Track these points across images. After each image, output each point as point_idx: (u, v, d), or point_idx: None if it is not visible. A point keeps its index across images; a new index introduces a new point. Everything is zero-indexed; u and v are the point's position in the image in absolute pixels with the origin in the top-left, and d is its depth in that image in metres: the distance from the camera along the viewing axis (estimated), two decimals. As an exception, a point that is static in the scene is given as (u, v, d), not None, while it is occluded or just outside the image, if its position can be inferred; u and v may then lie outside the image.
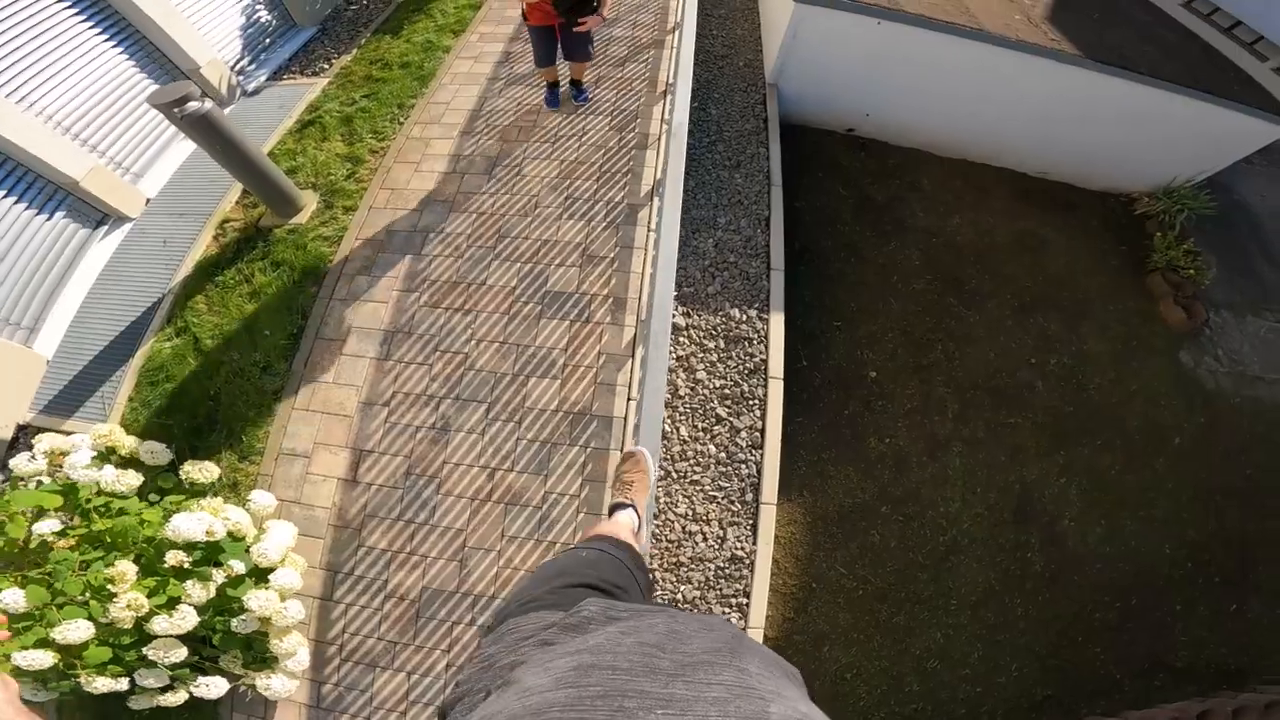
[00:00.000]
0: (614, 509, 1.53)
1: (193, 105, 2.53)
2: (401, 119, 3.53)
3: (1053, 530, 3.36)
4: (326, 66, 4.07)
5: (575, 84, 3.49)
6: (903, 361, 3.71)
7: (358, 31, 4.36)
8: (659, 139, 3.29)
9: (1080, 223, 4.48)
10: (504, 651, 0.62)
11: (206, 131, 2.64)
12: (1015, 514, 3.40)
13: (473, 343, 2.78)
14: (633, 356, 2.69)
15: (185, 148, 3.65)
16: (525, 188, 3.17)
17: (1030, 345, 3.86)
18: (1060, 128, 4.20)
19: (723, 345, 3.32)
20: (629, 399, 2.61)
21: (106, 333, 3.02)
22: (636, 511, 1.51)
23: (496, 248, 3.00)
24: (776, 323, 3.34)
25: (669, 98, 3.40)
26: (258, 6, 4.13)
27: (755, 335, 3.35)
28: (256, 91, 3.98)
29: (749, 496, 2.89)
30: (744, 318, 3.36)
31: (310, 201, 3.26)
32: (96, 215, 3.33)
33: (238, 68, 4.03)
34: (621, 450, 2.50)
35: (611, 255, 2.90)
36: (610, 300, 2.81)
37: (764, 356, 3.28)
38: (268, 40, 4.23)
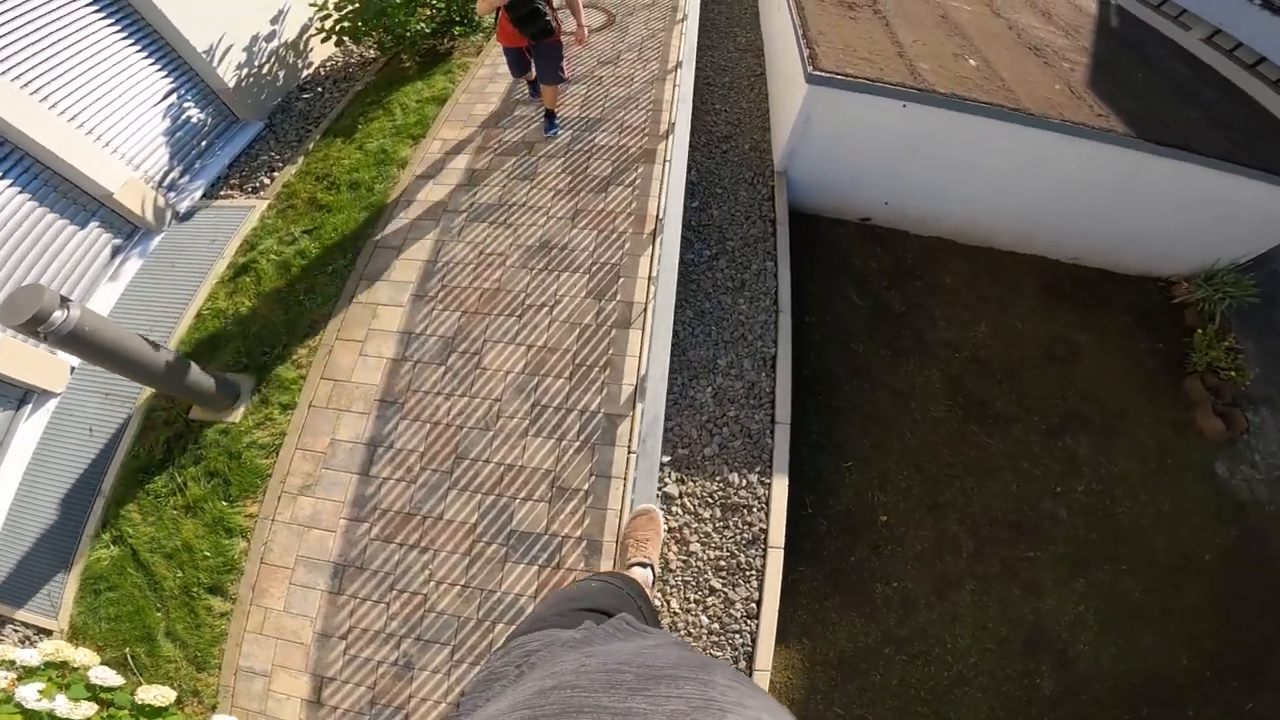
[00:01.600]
0: (629, 568, 1.59)
1: (56, 317, 1.92)
2: (346, 269, 3.01)
3: (1065, 656, 3.10)
4: (268, 181, 3.52)
5: (548, 115, 3.40)
6: (916, 501, 3.36)
7: (307, 131, 3.76)
8: (645, 311, 2.74)
9: (1114, 320, 4.06)
10: (509, 664, 0.65)
11: (83, 346, 2.09)
12: (1026, 644, 3.13)
13: (432, 584, 2.43)
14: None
15: (107, 300, 3.21)
16: (486, 388, 2.68)
17: (1056, 472, 3.49)
18: (1098, 210, 3.78)
19: (719, 514, 2.93)
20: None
21: (44, 524, 2.75)
22: (653, 569, 1.58)
23: (454, 473, 2.57)
24: (779, 487, 2.94)
25: (657, 240, 2.81)
26: (188, 105, 3.55)
27: (755, 502, 2.95)
28: (190, 214, 3.47)
29: (741, 664, 2.63)
30: (744, 483, 2.96)
31: (244, 389, 2.84)
32: (17, 393, 2.97)
33: (167, 180, 3.50)
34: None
35: (585, 487, 2.45)
36: (584, 543, 2.39)
37: (764, 525, 2.91)
38: (203, 143, 3.67)
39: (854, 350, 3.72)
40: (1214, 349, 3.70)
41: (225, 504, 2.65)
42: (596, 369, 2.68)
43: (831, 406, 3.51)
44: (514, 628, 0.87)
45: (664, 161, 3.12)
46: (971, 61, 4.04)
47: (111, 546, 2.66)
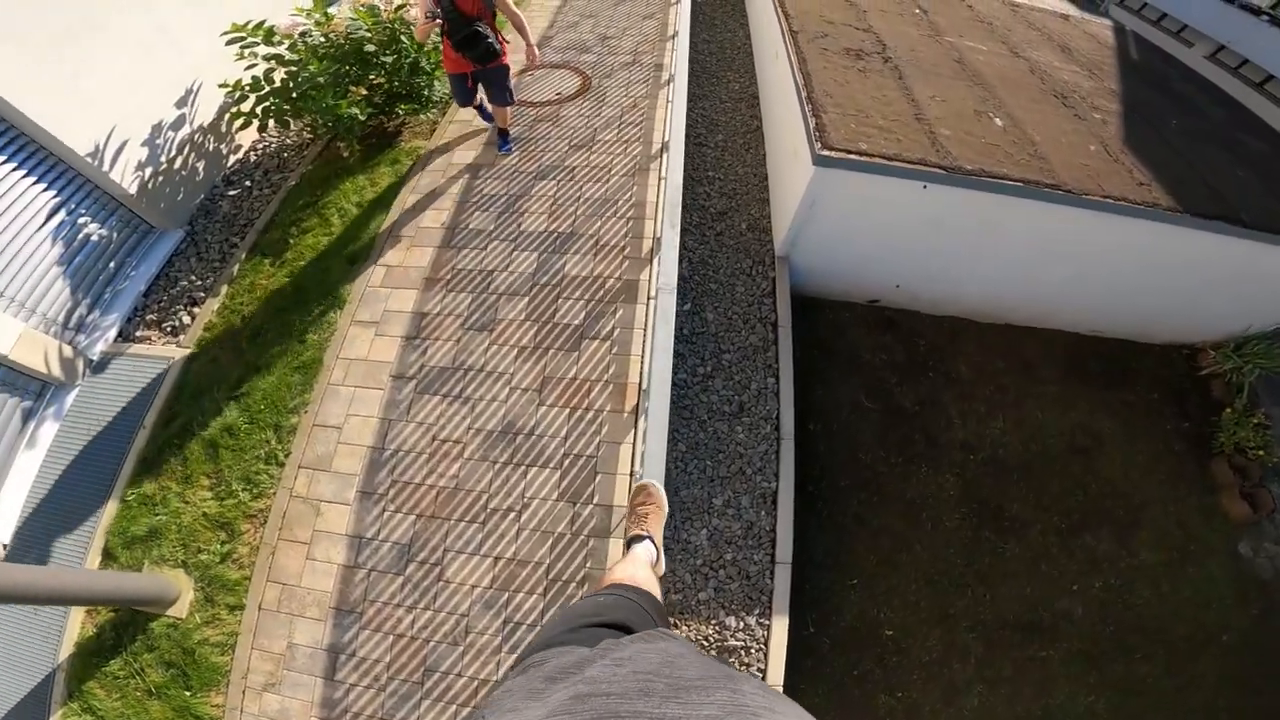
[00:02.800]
0: (631, 542, 1.59)
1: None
2: (281, 454, 2.58)
3: (1072, 744, 3.05)
4: (188, 319, 3.01)
5: (501, 134, 3.33)
6: (925, 613, 3.16)
7: (232, 246, 3.20)
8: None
9: (1139, 399, 3.78)
10: (524, 684, 0.61)
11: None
12: (1033, 737, 3.07)
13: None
14: None
15: (26, 472, 2.82)
16: (451, 601, 2.32)
17: (1075, 571, 3.30)
18: (1128, 282, 3.48)
19: (714, 655, 2.68)
20: None
21: (11, 696, 2.53)
22: (653, 542, 1.56)
23: (425, 684, 2.26)
24: (779, 627, 2.70)
25: (640, 423, 2.34)
26: (84, 222, 3.00)
27: (754, 644, 2.73)
28: (105, 361, 3.00)
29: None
30: (741, 625, 2.72)
31: (185, 588, 2.50)
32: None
33: (73, 320, 3.01)
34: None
35: None
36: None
37: (762, 665, 2.69)
38: (111, 265, 3.13)
39: (862, 460, 3.41)
40: (1242, 428, 3.51)
41: (188, 694, 2.39)
42: (574, 584, 2.30)
43: (837, 524, 3.24)
44: (527, 644, 0.88)
45: (648, 299, 2.58)
46: (997, 121, 3.48)
47: (83, 715, 2.43)
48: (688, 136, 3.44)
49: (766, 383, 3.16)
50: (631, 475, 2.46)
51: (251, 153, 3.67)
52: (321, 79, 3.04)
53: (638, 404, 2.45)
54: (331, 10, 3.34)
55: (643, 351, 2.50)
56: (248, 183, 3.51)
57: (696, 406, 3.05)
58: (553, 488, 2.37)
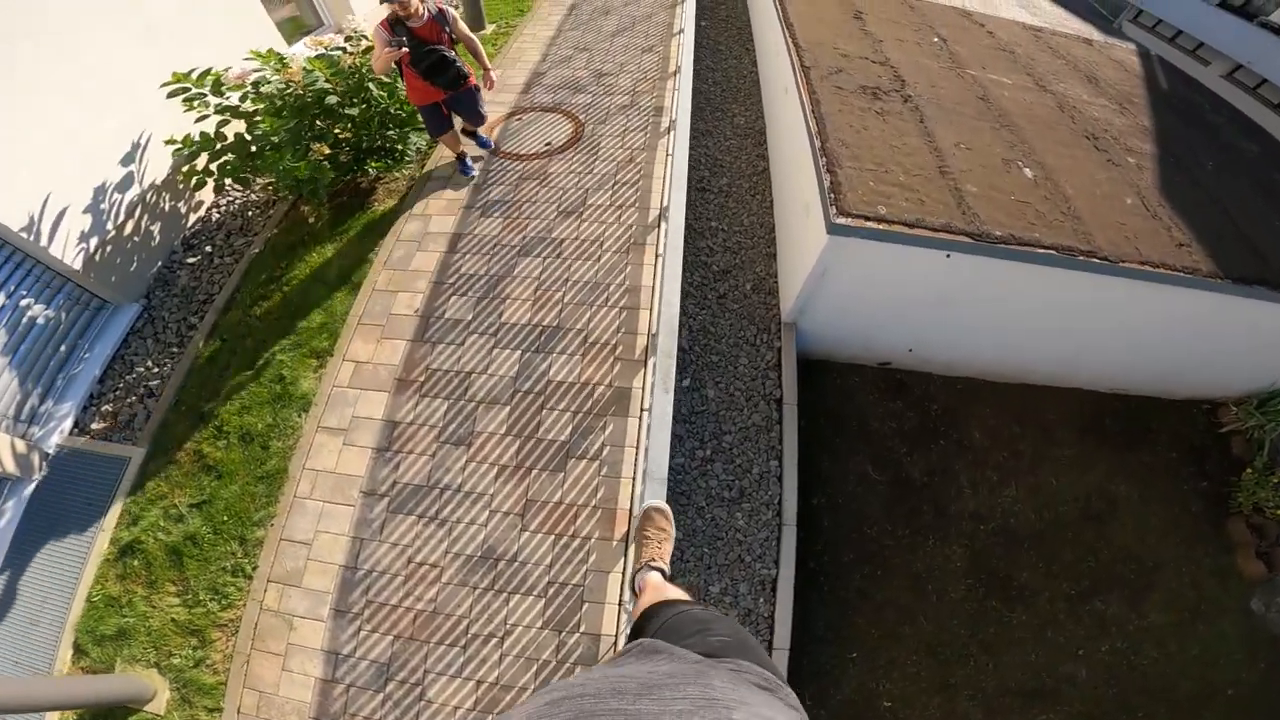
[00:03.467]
0: (640, 573, 1.59)
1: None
2: (248, 567, 2.44)
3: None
4: (145, 412, 2.80)
5: (473, 134, 3.40)
6: (925, 683, 3.11)
7: (191, 326, 2.97)
8: (614, 644, 2.19)
9: (1157, 458, 3.68)
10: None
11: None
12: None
13: None
14: None
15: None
16: None
17: (1081, 636, 3.24)
18: (1154, 341, 3.36)
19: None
20: None
21: None
22: (664, 574, 1.57)
23: None
24: None
25: (628, 553, 2.21)
26: (27, 303, 2.76)
27: None
28: (61, 456, 2.81)
29: None
30: None
31: (161, 687, 2.41)
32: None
33: (25, 412, 2.81)
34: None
35: None
36: None
37: None
38: (62, 348, 2.90)
39: (867, 534, 3.30)
40: (1262, 487, 3.43)
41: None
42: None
43: (839, 598, 3.16)
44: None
45: (640, 411, 2.40)
46: (1027, 171, 3.29)
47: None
48: (689, 180, 3.18)
49: (769, 466, 3.03)
50: (622, 590, 2.34)
51: (214, 210, 3.38)
52: (277, 137, 2.74)
53: (627, 533, 2.30)
54: (294, 51, 3.00)
55: (634, 473, 2.33)
56: (208, 248, 3.25)
57: (694, 493, 2.93)
58: (537, 615, 2.25)
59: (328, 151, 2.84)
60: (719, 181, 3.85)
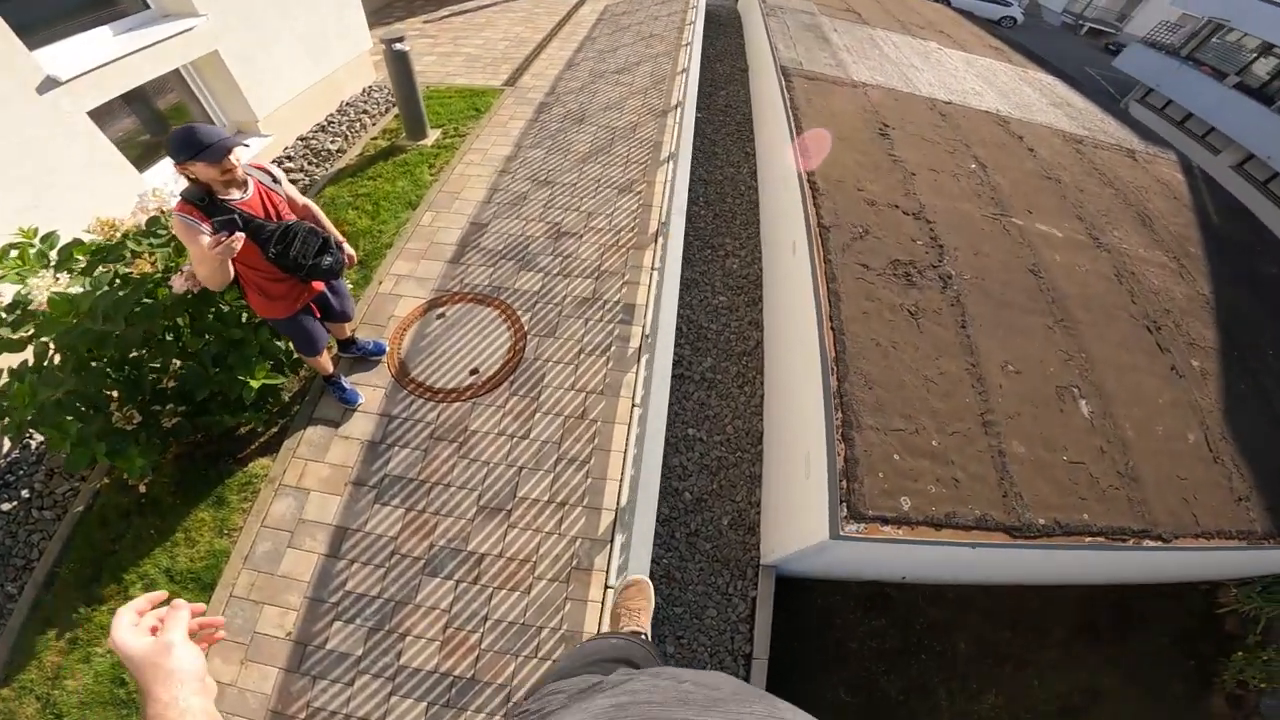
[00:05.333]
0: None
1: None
2: None
3: None
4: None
5: (352, 341, 2.62)
6: None
7: (10, 596, 2.14)
8: None
9: (1147, 646, 3.34)
10: (543, 707, 0.63)
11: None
12: None
13: None
14: None
15: None
16: None
17: None
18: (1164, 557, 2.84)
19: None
20: None
21: None
22: (644, 639, 1.51)
23: None
24: None
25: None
26: None
27: None
28: None
29: None
30: None
31: None
32: None
33: None
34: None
35: None
36: None
37: None
38: None
39: None
40: (1250, 665, 3.26)
41: None
42: None
43: None
44: (541, 674, 0.97)
45: None
46: (1084, 407, 2.69)
47: None
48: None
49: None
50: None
51: (31, 438, 2.55)
52: (50, 399, 1.90)
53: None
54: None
55: None
56: (25, 493, 2.43)
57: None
58: None
59: (138, 419, 2.02)
60: (701, 365, 3.10)
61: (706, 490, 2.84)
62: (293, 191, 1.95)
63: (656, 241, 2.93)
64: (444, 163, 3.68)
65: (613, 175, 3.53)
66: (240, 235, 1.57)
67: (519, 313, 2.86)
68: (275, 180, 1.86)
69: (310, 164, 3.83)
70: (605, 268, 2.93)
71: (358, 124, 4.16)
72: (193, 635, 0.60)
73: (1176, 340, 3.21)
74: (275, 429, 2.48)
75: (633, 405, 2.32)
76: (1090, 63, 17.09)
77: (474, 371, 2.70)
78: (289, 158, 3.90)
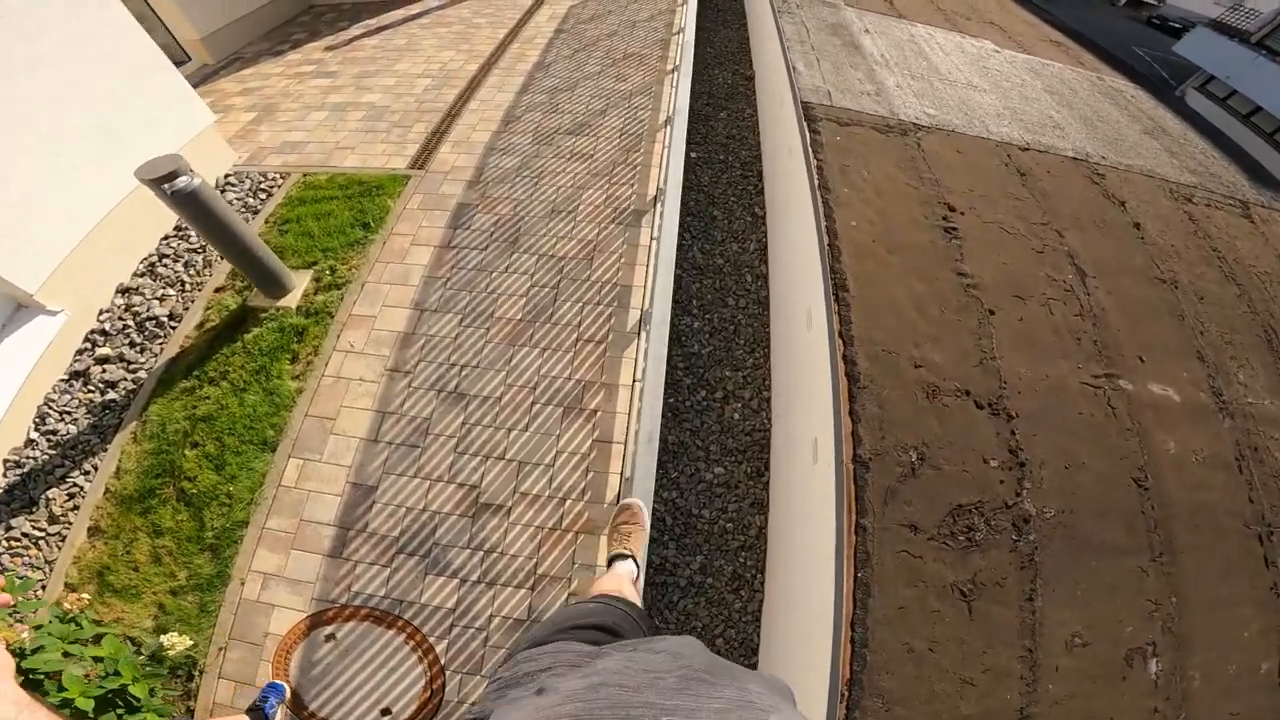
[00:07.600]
0: (613, 560, 1.62)
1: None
2: None
3: None
4: None
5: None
6: None
7: None
8: None
9: None
10: (517, 677, 0.63)
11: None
12: None
13: None
14: None
15: None
16: None
17: None
18: None
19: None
20: None
21: None
22: (635, 561, 1.60)
23: None
24: None
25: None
26: None
27: None
28: None
29: None
30: None
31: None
32: None
33: None
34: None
35: None
36: None
37: None
38: None
39: None
40: None
41: None
42: None
43: None
44: (514, 640, 0.95)
45: None
46: (1153, 668, 2.41)
47: None
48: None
49: None
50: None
51: None
52: None
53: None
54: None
55: None
56: None
57: None
58: None
59: None
60: (691, 565, 2.31)
61: None
62: None
63: (614, 516, 2.02)
64: (313, 348, 2.57)
65: (555, 369, 2.44)
66: None
67: (431, 639, 2.03)
68: None
69: (136, 348, 2.71)
70: (545, 569, 2.04)
71: (196, 262, 2.96)
72: None
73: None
74: None
75: None
76: (1136, 39, 14.42)
77: (386, 712, 1.98)
78: (106, 334, 2.77)
